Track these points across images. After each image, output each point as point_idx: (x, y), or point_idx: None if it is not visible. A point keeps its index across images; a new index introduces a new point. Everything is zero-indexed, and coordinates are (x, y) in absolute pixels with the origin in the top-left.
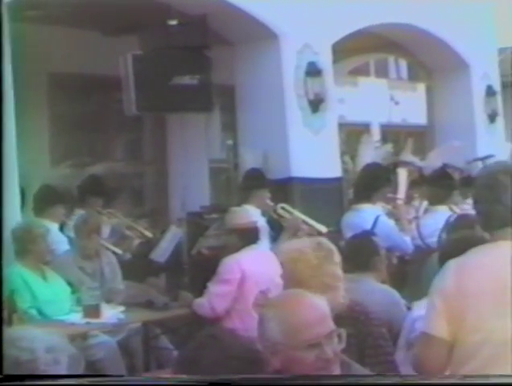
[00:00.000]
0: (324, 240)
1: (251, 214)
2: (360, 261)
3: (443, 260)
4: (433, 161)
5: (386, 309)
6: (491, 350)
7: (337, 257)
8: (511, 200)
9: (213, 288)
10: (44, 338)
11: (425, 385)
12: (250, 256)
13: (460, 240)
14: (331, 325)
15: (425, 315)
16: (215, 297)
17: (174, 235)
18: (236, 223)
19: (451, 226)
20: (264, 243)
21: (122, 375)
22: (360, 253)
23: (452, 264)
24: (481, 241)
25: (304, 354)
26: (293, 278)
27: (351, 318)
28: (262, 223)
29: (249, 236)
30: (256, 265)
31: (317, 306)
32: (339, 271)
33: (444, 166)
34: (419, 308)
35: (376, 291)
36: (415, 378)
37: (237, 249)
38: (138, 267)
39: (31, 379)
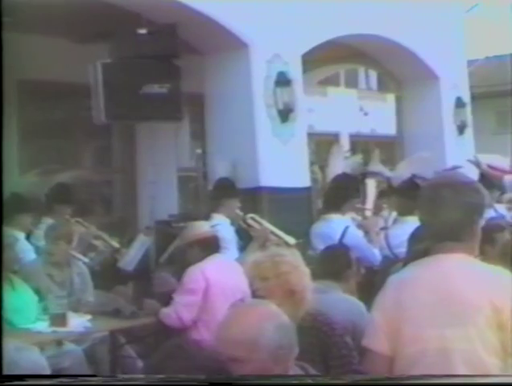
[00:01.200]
0: (290, 251)
1: (208, 226)
2: (332, 273)
3: None
4: (402, 171)
5: (352, 319)
6: (429, 359)
7: (303, 268)
8: (453, 214)
9: (179, 298)
10: None
11: (424, 385)
12: (214, 265)
13: (422, 250)
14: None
15: (366, 330)
16: (181, 308)
17: (142, 243)
18: (194, 234)
19: (415, 236)
20: (232, 252)
21: (122, 375)
22: (333, 265)
23: (392, 279)
24: None
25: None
26: (258, 288)
27: (314, 329)
28: (230, 232)
29: (209, 247)
30: (220, 274)
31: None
32: (305, 282)
33: (413, 177)
34: None
35: (343, 301)
36: (414, 378)
37: (199, 260)
38: (105, 276)
39: (31, 379)
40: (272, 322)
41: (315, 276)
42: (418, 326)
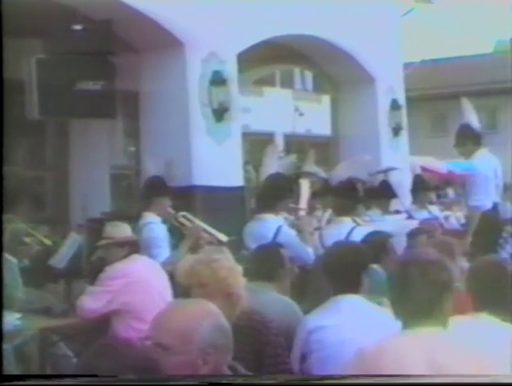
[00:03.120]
0: (222, 254)
1: (128, 228)
2: (265, 272)
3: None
4: (340, 173)
5: (285, 320)
6: None
7: (237, 268)
8: (422, 294)
9: (89, 289)
10: None
11: (424, 385)
12: (135, 263)
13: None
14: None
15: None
16: (86, 297)
17: (74, 241)
18: (112, 237)
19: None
20: (164, 250)
21: (123, 375)
22: (265, 264)
23: None
24: (364, 247)
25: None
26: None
27: (249, 327)
28: (162, 230)
29: (128, 249)
30: (143, 273)
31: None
32: (240, 282)
33: (350, 179)
34: (313, 320)
35: (276, 302)
36: (412, 378)
37: (118, 260)
38: (36, 273)
39: (31, 379)
40: (210, 321)
41: (249, 276)
42: None
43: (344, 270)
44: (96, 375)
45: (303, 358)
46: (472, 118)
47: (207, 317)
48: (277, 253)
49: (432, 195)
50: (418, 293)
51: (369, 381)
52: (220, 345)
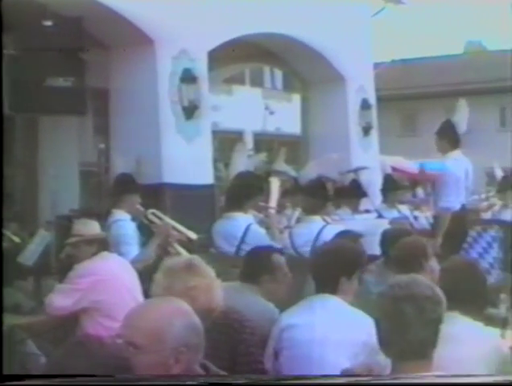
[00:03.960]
0: (199, 271)
1: (96, 225)
2: (250, 275)
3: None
4: (309, 171)
5: (262, 323)
6: None
7: (215, 285)
8: (418, 333)
9: (58, 287)
10: None
11: (423, 385)
12: (104, 261)
13: (330, 252)
14: None
15: None
16: (55, 294)
17: (42, 238)
18: (81, 234)
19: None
20: (133, 248)
21: (123, 375)
22: (252, 268)
23: None
24: (352, 249)
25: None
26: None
27: (225, 325)
28: (131, 228)
29: (97, 246)
30: (109, 271)
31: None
32: (218, 299)
33: (319, 177)
34: (287, 317)
35: (256, 305)
36: (413, 377)
37: (87, 258)
38: (5, 270)
39: (31, 379)
40: (182, 321)
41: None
42: None
43: (323, 269)
44: (95, 375)
45: (276, 355)
46: (461, 119)
47: (179, 316)
48: (267, 258)
49: (402, 195)
50: (416, 333)
51: (368, 381)
52: (193, 344)
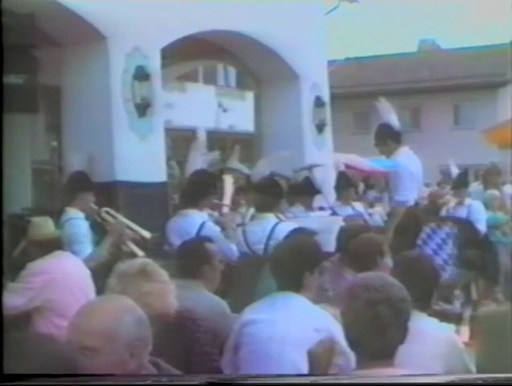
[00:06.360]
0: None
1: (51, 225)
2: (190, 268)
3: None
4: (261, 169)
5: (213, 318)
6: None
7: (168, 289)
8: (393, 335)
9: (10, 285)
10: None
11: (423, 385)
12: (56, 260)
13: (292, 247)
14: None
15: None
16: (8, 293)
17: None
18: (35, 234)
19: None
20: (86, 247)
21: (124, 375)
22: (190, 260)
23: None
24: (312, 243)
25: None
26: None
27: (178, 325)
28: (84, 226)
29: (50, 246)
30: (62, 270)
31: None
32: (172, 302)
33: (272, 175)
34: (249, 313)
35: (205, 300)
36: (414, 378)
37: (40, 257)
38: None
39: (31, 380)
40: (130, 315)
41: (176, 273)
42: None
43: (285, 266)
44: (95, 375)
45: (236, 349)
46: (391, 117)
47: (127, 312)
48: (201, 248)
49: (356, 192)
50: (393, 335)
51: (368, 381)
52: (143, 336)
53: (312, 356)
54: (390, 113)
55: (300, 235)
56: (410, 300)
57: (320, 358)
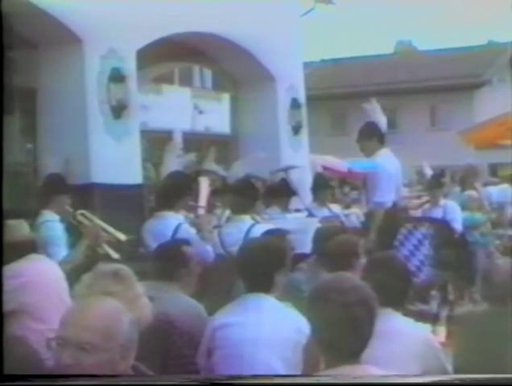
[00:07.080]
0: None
1: (25, 228)
2: (166, 271)
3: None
4: (237, 170)
5: (190, 321)
6: None
7: (134, 285)
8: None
9: None
10: None
11: (424, 385)
12: (31, 263)
13: (259, 247)
14: None
15: None
16: None
17: None
18: (10, 237)
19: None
20: (61, 249)
21: (124, 375)
22: (167, 263)
23: None
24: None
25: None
26: None
27: (155, 328)
28: (59, 229)
29: (25, 249)
30: (37, 273)
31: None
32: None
33: (248, 176)
34: (221, 316)
35: (181, 303)
36: (414, 378)
37: (15, 259)
38: None
39: (31, 380)
40: (126, 316)
41: (151, 275)
42: None
43: (255, 267)
44: (95, 375)
45: (209, 353)
46: (381, 118)
47: (123, 312)
48: (178, 251)
49: (332, 193)
50: (368, 334)
51: (368, 381)
52: (134, 339)
53: (307, 353)
54: (379, 114)
55: (263, 236)
56: (376, 297)
57: (315, 354)
